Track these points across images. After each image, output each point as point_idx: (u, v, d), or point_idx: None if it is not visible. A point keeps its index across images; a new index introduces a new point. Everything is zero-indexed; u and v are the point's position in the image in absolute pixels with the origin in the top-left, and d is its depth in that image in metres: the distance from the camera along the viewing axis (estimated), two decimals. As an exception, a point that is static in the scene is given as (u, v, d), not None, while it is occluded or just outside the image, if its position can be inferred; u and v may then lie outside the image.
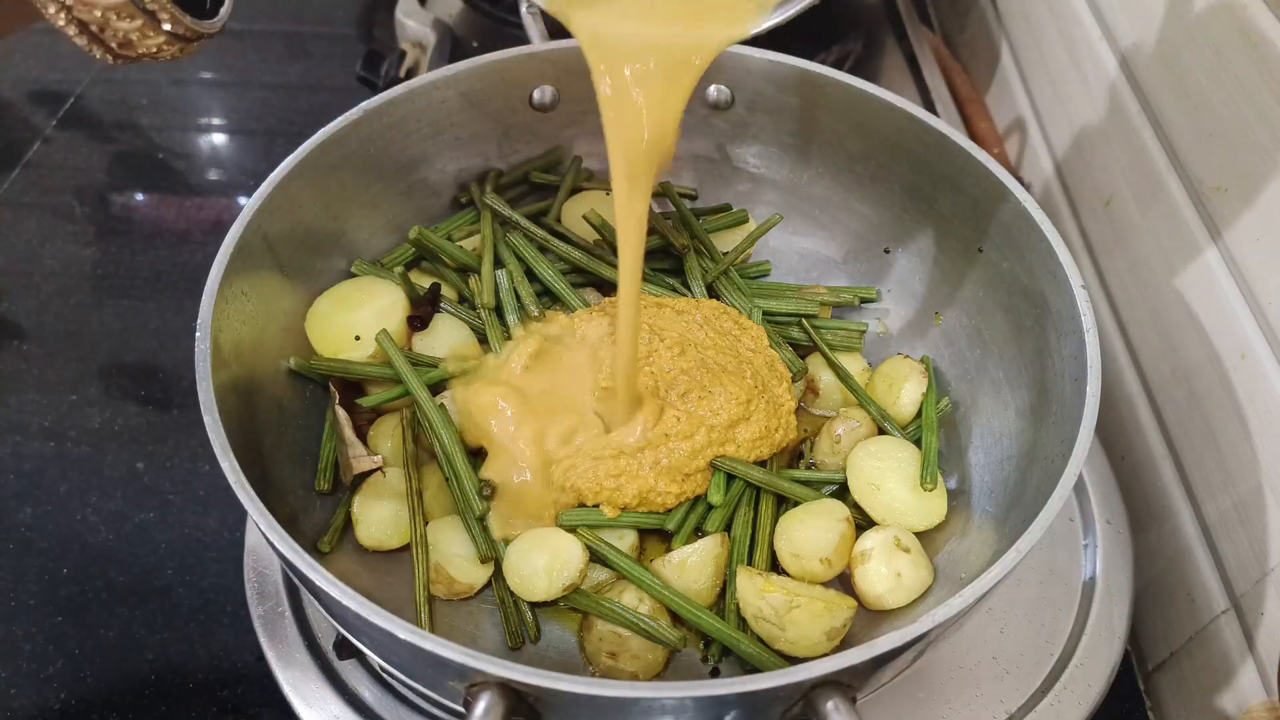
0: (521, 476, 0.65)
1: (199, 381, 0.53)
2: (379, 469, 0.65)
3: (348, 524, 0.64)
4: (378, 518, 0.64)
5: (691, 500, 0.65)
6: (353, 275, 0.73)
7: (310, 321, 0.69)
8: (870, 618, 0.62)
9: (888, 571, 0.60)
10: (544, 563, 0.61)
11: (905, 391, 0.70)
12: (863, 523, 0.66)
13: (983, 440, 0.68)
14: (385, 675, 0.64)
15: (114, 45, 0.57)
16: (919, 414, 0.71)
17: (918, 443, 0.68)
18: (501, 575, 0.63)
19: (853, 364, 0.74)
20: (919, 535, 0.64)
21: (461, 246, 0.75)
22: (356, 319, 0.69)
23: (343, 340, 0.69)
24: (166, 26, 0.57)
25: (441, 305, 0.74)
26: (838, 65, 0.98)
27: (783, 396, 0.69)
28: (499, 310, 0.74)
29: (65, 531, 0.77)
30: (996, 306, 0.69)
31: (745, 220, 0.81)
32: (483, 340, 0.73)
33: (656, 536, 0.66)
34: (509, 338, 0.72)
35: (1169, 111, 0.74)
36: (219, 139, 1.15)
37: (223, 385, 0.54)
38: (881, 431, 0.70)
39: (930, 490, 0.64)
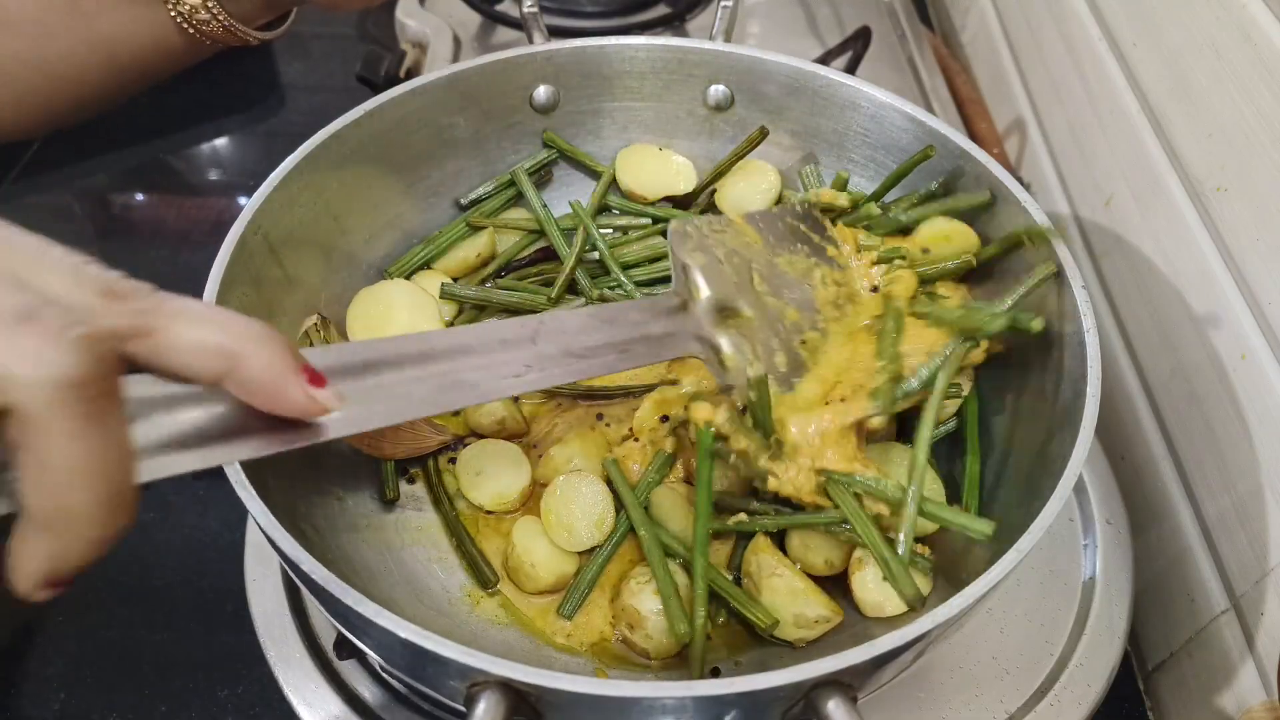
0: None
1: (199, 381, 0.53)
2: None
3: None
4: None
5: None
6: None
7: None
8: (868, 620, 0.62)
9: (879, 578, 0.59)
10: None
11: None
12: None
13: (983, 440, 0.68)
14: (385, 675, 0.64)
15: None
16: (954, 416, 0.69)
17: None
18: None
19: None
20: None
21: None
22: (406, 321, 0.70)
23: None
24: None
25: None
26: (838, 65, 0.98)
27: None
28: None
29: (65, 531, 0.77)
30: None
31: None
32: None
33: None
34: None
35: (1169, 111, 0.74)
36: (219, 139, 1.15)
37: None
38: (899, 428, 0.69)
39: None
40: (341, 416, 0.43)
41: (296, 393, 0.40)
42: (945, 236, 0.69)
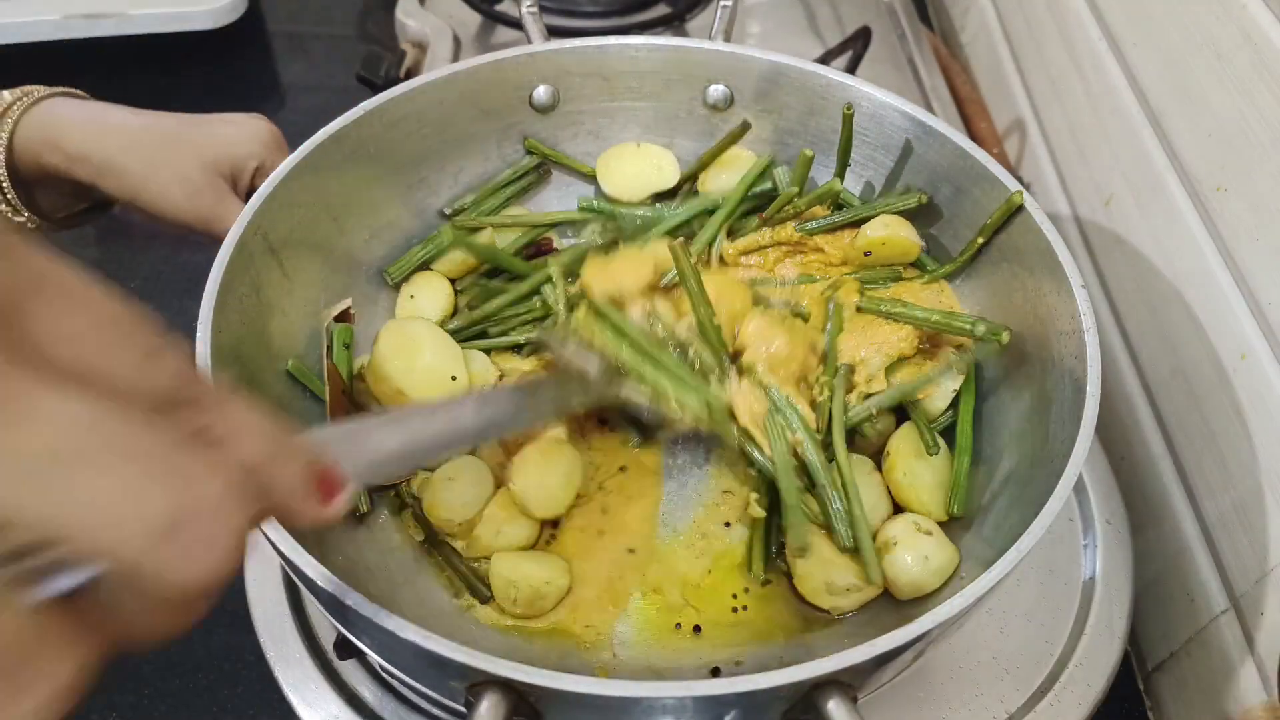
0: None
1: (199, 381, 0.53)
2: None
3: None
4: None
5: None
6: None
7: (388, 381, 0.67)
8: (879, 611, 0.62)
9: (914, 559, 0.60)
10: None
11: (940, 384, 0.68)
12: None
13: (982, 439, 0.68)
14: (385, 675, 0.64)
15: None
16: (948, 409, 0.69)
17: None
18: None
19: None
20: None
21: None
22: (431, 362, 0.68)
23: (442, 384, 0.68)
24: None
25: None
26: (838, 65, 0.98)
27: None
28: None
29: (65, 531, 0.77)
30: (996, 306, 0.69)
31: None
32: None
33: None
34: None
35: (1169, 111, 0.74)
36: (219, 139, 1.15)
37: (223, 385, 0.54)
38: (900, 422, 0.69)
39: (957, 516, 0.64)
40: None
41: (309, 514, 0.35)
42: (883, 242, 0.71)
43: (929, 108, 1.05)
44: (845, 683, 0.46)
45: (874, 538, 0.62)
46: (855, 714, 0.45)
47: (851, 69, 1.01)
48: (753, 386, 0.65)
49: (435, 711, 0.63)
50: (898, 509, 0.66)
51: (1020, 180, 0.71)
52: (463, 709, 0.45)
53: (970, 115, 1.09)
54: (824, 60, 0.99)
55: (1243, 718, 0.60)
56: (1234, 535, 0.65)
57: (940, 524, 0.64)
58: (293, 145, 0.66)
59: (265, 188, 0.63)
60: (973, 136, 1.04)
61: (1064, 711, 0.64)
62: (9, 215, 0.70)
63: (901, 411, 0.70)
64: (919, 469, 0.65)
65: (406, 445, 0.47)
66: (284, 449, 0.33)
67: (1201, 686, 0.66)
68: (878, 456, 0.68)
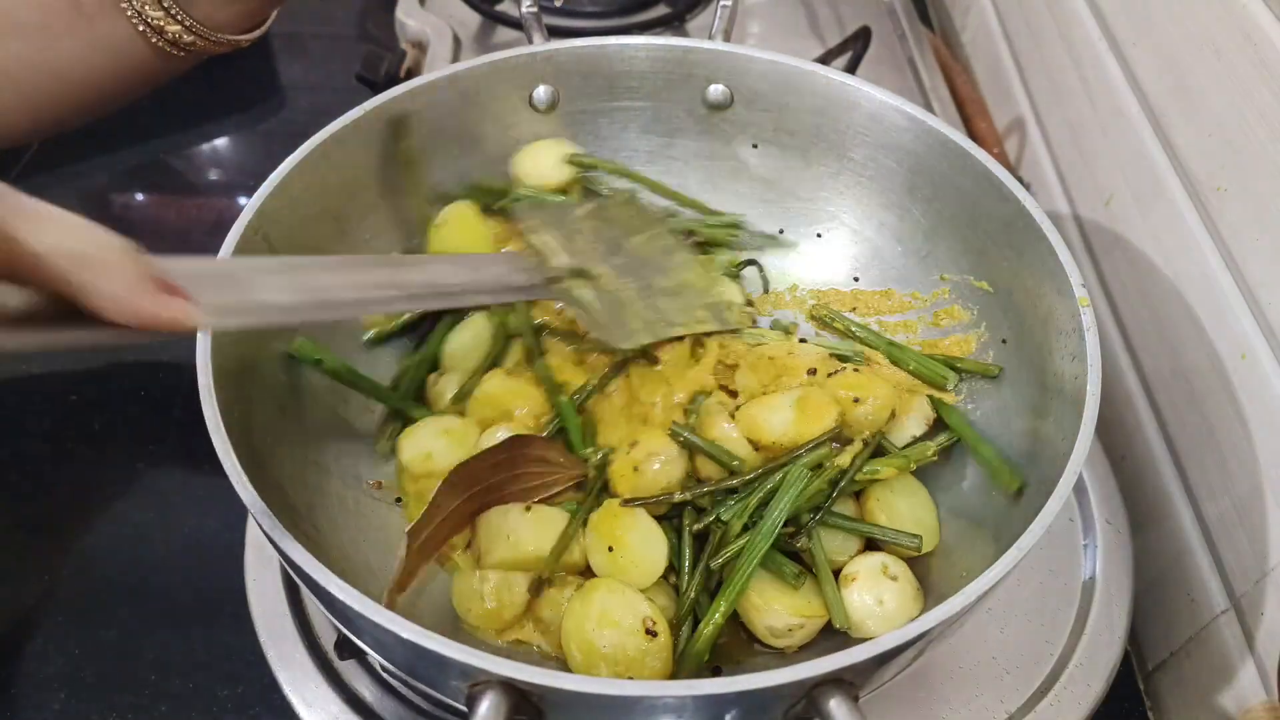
0: None
1: (200, 380, 0.53)
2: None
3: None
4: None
5: None
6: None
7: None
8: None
9: (871, 599, 0.58)
10: None
11: (907, 423, 0.67)
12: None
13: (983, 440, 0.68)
14: (386, 675, 0.64)
15: None
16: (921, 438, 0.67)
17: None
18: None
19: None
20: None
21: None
22: None
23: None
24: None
25: None
26: (838, 65, 0.98)
27: None
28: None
29: (65, 531, 0.77)
30: (996, 305, 0.69)
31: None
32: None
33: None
34: None
35: (1169, 111, 0.74)
36: (219, 139, 1.15)
37: (223, 385, 0.54)
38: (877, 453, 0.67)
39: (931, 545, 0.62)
40: (202, 316, 0.43)
41: (149, 305, 0.37)
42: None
43: (929, 108, 1.05)
44: (847, 681, 0.46)
45: (837, 573, 0.60)
46: (857, 713, 0.45)
47: (851, 69, 1.01)
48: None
49: (435, 711, 0.63)
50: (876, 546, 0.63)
51: (1020, 180, 0.71)
52: (463, 709, 0.45)
53: (970, 115, 1.09)
54: (824, 60, 0.99)
55: (1243, 718, 0.60)
56: (1234, 535, 0.65)
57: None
58: (293, 145, 0.66)
59: (265, 187, 0.63)
60: (973, 136, 1.04)
61: (1064, 711, 0.64)
62: (165, 24, 0.69)
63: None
64: (894, 501, 0.63)
65: (298, 300, 0.47)
66: (107, 238, 0.36)
67: (1201, 686, 0.66)
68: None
